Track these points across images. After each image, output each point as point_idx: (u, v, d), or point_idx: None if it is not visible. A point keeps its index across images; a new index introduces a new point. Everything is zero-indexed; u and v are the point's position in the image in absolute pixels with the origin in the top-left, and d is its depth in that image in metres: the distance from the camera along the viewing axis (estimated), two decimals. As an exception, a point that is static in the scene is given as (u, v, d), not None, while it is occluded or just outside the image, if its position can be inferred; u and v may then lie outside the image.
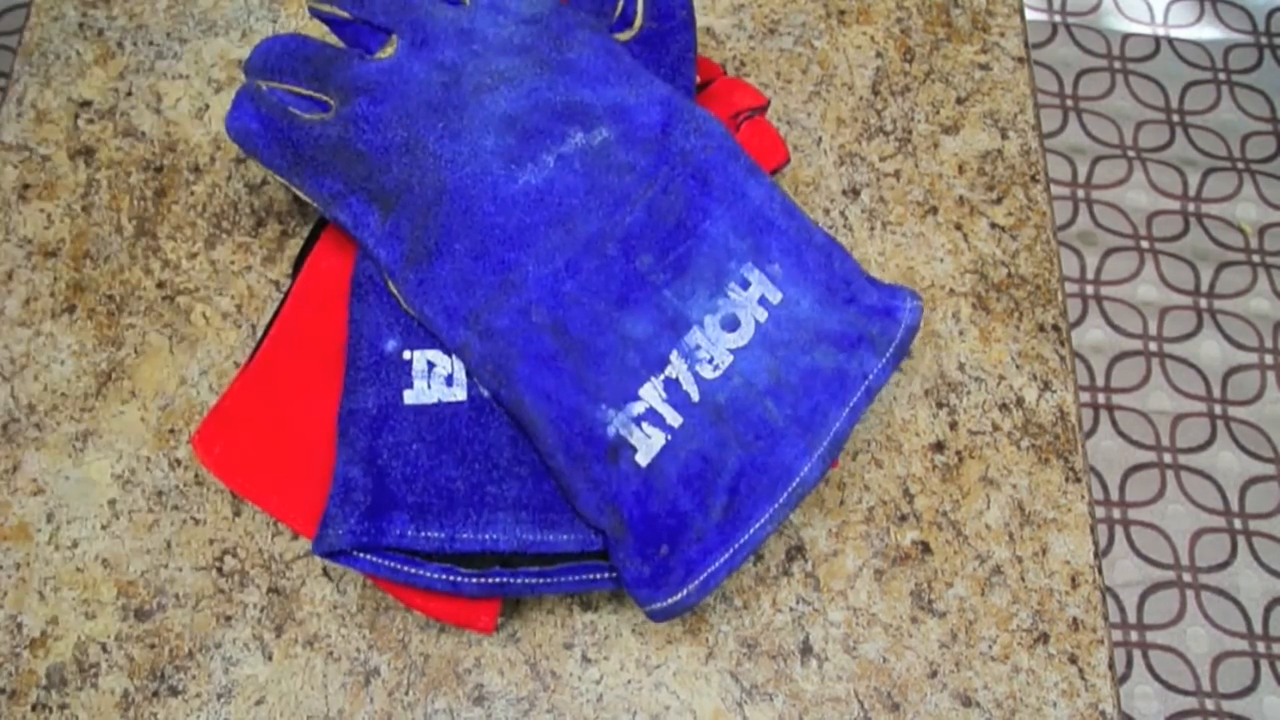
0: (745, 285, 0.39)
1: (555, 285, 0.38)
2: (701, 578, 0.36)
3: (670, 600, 0.36)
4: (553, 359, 0.37)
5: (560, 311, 0.38)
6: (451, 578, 0.36)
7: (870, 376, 0.39)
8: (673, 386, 0.38)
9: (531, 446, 0.38)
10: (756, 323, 0.39)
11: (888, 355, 0.39)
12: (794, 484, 0.37)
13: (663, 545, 0.36)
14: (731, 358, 0.38)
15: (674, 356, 0.38)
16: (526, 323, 0.38)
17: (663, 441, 0.37)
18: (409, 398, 0.38)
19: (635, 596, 0.36)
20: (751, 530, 0.37)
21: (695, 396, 0.38)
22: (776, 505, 0.37)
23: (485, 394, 0.38)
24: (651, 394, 0.37)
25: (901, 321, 0.39)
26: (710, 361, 0.38)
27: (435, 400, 0.38)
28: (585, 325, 0.38)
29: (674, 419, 0.37)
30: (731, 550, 0.36)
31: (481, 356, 0.38)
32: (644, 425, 0.37)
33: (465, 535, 0.36)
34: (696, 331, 0.38)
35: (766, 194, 0.40)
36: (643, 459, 0.37)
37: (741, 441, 0.37)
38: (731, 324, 0.38)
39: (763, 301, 0.39)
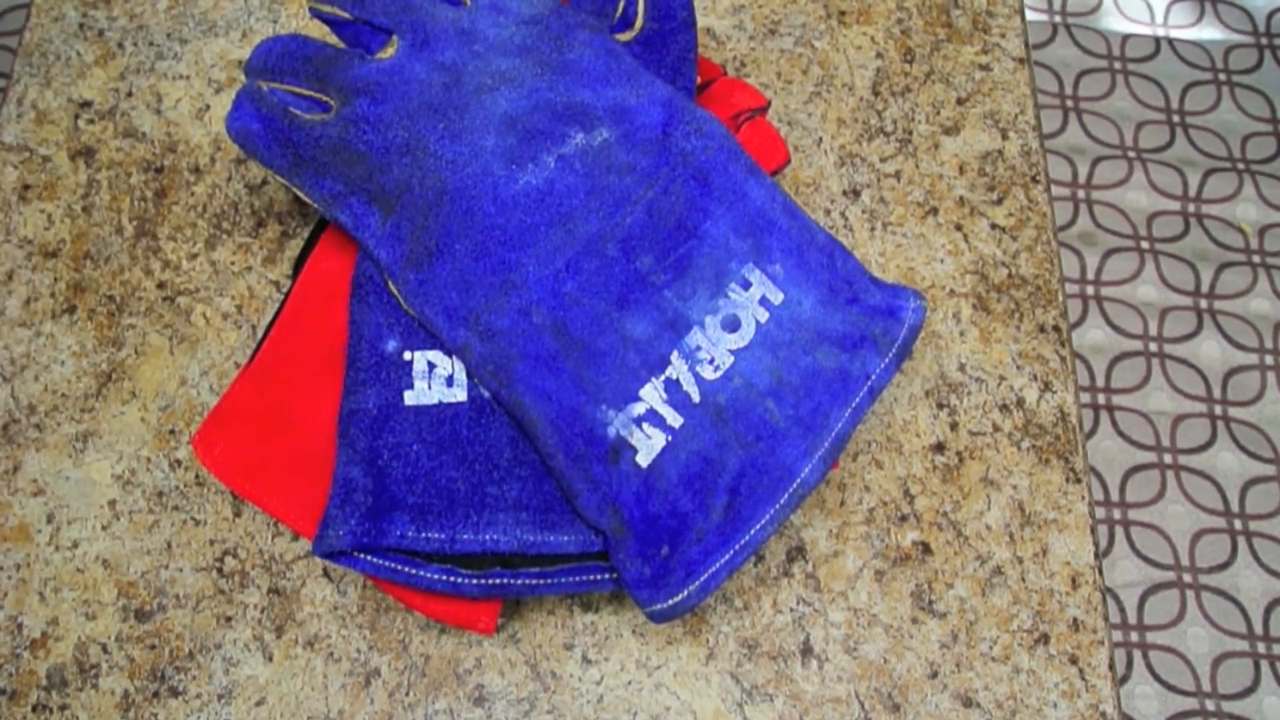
0: (746, 286, 0.39)
1: (556, 286, 0.38)
2: (702, 579, 0.36)
3: (671, 601, 0.36)
4: (553, 359, 0.37)
5: (561, 312, 0.38)
6: (452, 579, 0.36)
7: (873, 377, 0.38)
8: (673, 387, 0.38)
9: (532, 447, 0.38)
10: (757, 323, 0.38)
11: (890, 355, 0.39)
12: (795, 485, 0.37)
13: (663, 546, 0.36)
14: (732, 358, 0.38)
15: (674, 357, 0.38)
16: (527, 323, 0.38)
17: (663, 442, 0.37)
18: (409, 398, 0.38)
19: (636, 597, 0.36)
20: (752, 531, 0.37)
21: (696, 397, 0.38)
22: (777, 506, 0.37)
23: (486, 395, 0.38)
24: (652, 395, 0.37)
25: (905, 321, 0.39)
26: (711, 362, 0.38)
27: (436, 401, 0.38)
28: (585, 326, 0.38)
29: (674, 420, 0.37)
30: (732, 551, 0.36)
31: (482, 357, 0.38)
32: (644, 426, 0.37)
33: (466, 536, 0.36)
34: (697, 332, 0.38)
35: (768, 194, 0.40)
36: (643, 460, 0.37)
37: (742, 442, 0.37)
38: (732, 324, 0.38)
39: (764, 302, 0.39)
